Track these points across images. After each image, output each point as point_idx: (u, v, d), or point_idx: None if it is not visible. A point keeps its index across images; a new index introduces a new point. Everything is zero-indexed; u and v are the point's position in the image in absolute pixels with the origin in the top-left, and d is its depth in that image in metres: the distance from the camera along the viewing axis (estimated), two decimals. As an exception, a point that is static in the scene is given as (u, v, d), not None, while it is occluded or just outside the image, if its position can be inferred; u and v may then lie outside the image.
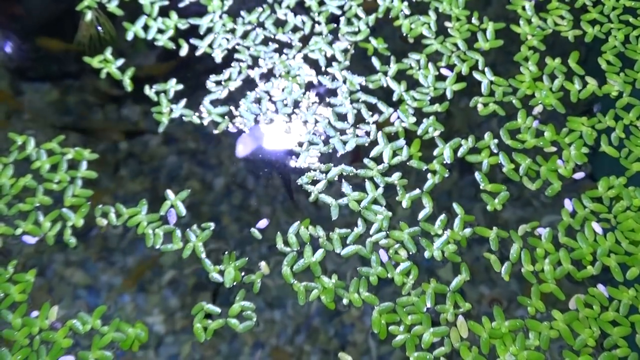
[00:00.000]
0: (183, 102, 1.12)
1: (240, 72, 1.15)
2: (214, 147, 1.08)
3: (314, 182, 1.05)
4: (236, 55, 1.17)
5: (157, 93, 1.14)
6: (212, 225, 1.00)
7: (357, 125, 1.10)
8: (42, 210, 1.02)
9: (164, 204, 1.02)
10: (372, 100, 1.12)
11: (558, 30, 1.20)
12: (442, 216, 1.00)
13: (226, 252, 0.98)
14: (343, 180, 1.04)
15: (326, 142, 1.08)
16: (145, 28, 1.21)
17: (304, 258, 0.97)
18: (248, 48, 1.18)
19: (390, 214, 1.00)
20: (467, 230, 0.99)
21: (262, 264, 0.96)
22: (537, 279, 0.94)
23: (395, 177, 1.04)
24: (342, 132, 1.09)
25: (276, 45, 1.18)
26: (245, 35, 1.20)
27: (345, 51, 1.18)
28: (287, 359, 0.90)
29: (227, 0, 1.24)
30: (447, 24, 1.21)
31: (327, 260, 0.98)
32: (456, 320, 0.92)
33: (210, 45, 1.19)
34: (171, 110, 1.12)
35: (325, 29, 1.20)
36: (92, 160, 1.07)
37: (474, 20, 1.21)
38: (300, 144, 1.08)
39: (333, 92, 1.14)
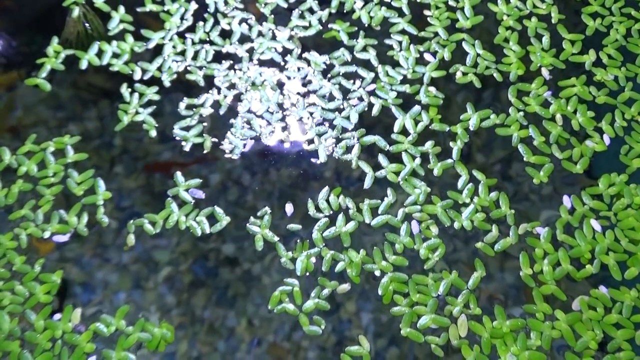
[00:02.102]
0: (150, 109, 1.10)
1: (220, 105, 1.10)
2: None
3: (349, 149, 1.05)
4: (187, 76, 1.13)
5: (132, 92, 1.11)
6: (267, 209, 1.00)
7: (347, 97, 1.10)
8: (60, 206, 1.01)
9: (176, 189, 1.02)
10: (352, 69, 1.13)
11: (536, 12, 1.19)
12: (470, 185, 1.01)
13: (299, 240, 0.98)
14: (379, 154, 1.05)
15: (332, 126, 1.08)
16: (100, 53, 1.15)
17: (336, 227, 0.98)
18: (200, 68, 1.14)
19: (429, 189, 1.01)
20: (493, 195, 1.00)
21: (344, 286, 0.95)
22: (536, 282, 0.94)
23: (428, 146, 1.05)
24: (339, 110, 1.09)
25: (231, 61, 1.15)
26: (195, 56, 1.15)
27: (291, 37, 1.16)
28: (284, 355, 0.90)
29: (185, 20, 1.19)
30: (426, 12, 1.20)
31: (357, 234, 0.98)
32: (458, 319, 0.91)
33: (159, 69, 1.14)
34: (137, 112, 1.09)
35: (270, 25, 1.18)
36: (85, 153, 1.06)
37: (451, 2, 1.21)
38: (311, 141, 1.07)
39: (307, 80, 1.12)
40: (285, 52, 1.16)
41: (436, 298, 0.93)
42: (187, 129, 1.08)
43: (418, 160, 1.04)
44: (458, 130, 1.07)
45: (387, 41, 1.16)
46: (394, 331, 0.91)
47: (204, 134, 1.07)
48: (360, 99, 1.10)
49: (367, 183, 1.02)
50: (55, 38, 1.15)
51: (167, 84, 1.12)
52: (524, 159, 1.04)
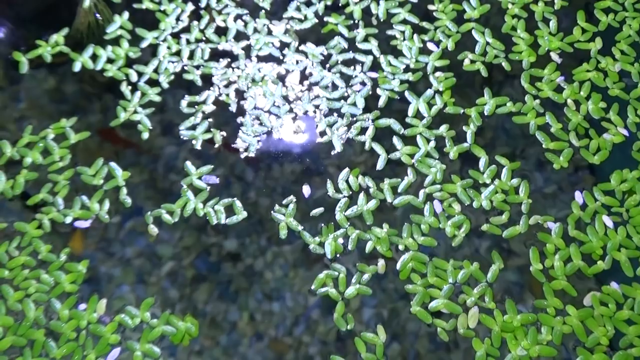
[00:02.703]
0: (150, 110, 1.08)
1: (223, 104, 1.09)
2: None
3: (363, 131, 1.05)
4: (185, 76, 1.11)
5: (133, 91, 1.10)
6: (293, 198, 0.99)
7: (350, 84, 1.10)
8: (82, 191, 1.01)
9: (189, 178, 1.01)
10: (349, 55, 1.12)
11: None
12: (492, 166, 1.01)
13: (323, 224, 0.97)
14: (394, 137, 1.04)
15: (341, 114, 1.07)
16: (95, 57, 1.13)
17: (357, 205, 0.98)
18: (198, 67, 1.12)
19: (444, 166, 1.01)
20: (515, 181, 1.00)
21: (381, 262, 0.94)
22: (546, 277, 0.92)
23: (443, 129, 1.04)
24: (344, 98, 1.09)
25: (228, 59, 1.13)
26: (191, 55, 1.13)
27: (287, 31, 1.16)
28: (285, 350, 0.89)
29: (181, 22, 1.17)
30: (430, 7, 1.18)
31: (379, 212, 0.99)
32: (470, 309, 0.91)
33: (155, 71, 1.12)
34: (135, 111, 1.08)
35: (264, 20, 1.17)
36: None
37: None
38: (323, 133, 1.06)
39: (307, 72, 1.12)
40: (283, 45, 1.15)
41: (452, 285, 0.92)
42: (193, 127, 1.07)
43: (432, 143, 1.03)
44: (472, 113, 1.06)
45: (388, 32, 1.15)
46: (396, 328, 0.90)
47: (211, 129, 1.06)
48: (363, 83, 1.10)
49: (380, 164, 1.02)
50: (65, 29, 1.15)
51: (165, 85, 1.11)
52: (543, 145, 1.03)
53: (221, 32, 1.16)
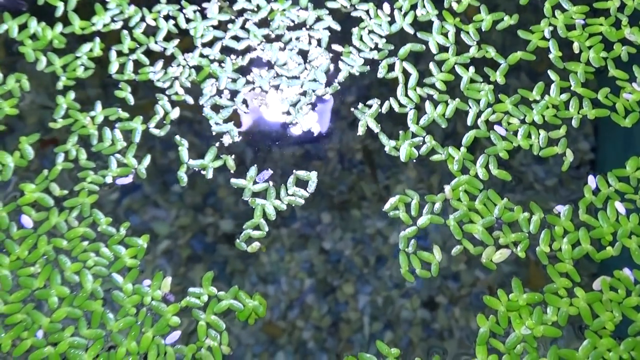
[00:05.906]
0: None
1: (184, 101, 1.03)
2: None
3: (391, 68, 1.06)
4: (117, 93, 1.03)
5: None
6: (378, 101, 1.02)
7: (308, 60, 1.07)
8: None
9: (246, 189, 0.96)
10: (302, 33, 1.09)
11: None
12: (540, 83, 1.03)
13: (401, 131, 1.00)
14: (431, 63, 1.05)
15: (308, 92, 1.04)
16: (23, 27, 1.08)
17: (427, 113, 1.01)
18: (134, 81, 1.05)
19: (492, 86, 1.03)
20: (564, 96, 1.02)
21: (447, 188, 0.95)
22: (549, 260, 0.90)
23: (473, 50, 1.06)
24: (305, 71, 1.06)
25: (162, 60, 1.07)
26: (121, 70, 1.06)
27: (221, 8, 1.10)
28: (279, 333, 0.88)
29: (114, 24, 1.09)
30: None
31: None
32: (502, 248, 0.91)
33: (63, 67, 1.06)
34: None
35: (194, 7, 1.11)
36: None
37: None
38: (293, 104, 1.03)
39: (257, 51, 1.08)
40: (223, 25, 1.10)
41: (495, 219, 0.93)
42: (202, 155, 1.00)
43: (472, 69, 1.04)
44: (470, 29, 1.08)
45: (353, 14, 1.11)
46: (390, 316, 0.89)
47: (221, 156, 0.99)
48: (321, 57, 1.06)
49: (405, 88, 1.03)
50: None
51: (58, 86, 1.04)
52: (571, 87, 1.02)
53: (151, 31, 1.10)
